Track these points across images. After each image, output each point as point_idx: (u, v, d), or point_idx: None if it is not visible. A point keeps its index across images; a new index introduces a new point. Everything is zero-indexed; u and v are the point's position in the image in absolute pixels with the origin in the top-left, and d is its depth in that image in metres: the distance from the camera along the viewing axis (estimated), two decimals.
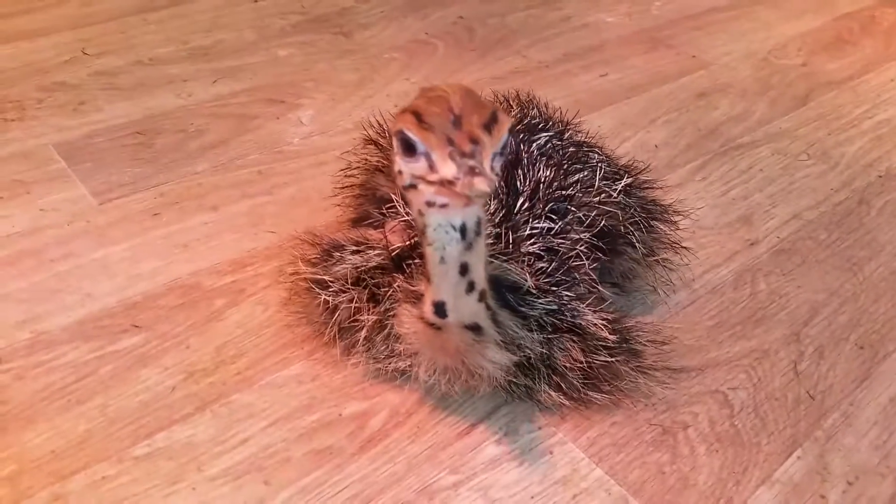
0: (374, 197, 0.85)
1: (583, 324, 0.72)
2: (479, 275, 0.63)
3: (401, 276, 0.71)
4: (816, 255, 0.99)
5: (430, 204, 0.57)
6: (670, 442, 0.74)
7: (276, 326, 0.82)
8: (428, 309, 0.64)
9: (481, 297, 0.64)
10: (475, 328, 0.65)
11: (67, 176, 1.03)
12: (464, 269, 0.62)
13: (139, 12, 1.48)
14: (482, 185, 0.51)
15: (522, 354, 0.69)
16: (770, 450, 0.74)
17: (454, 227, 0.59)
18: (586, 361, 0.71)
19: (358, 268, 0.73)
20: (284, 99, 1.23)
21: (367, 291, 0.72)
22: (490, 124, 0.54)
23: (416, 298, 0.67)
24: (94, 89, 1.23)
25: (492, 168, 0.53)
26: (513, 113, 0.88)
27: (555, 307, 0.71)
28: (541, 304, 0.70)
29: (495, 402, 0.76)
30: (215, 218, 0.98)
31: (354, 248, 0.74)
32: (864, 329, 0.88)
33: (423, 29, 1.46)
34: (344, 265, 0.73)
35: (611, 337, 0.72)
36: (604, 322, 0.72)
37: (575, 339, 0.71)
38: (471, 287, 0.63)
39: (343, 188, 0.91)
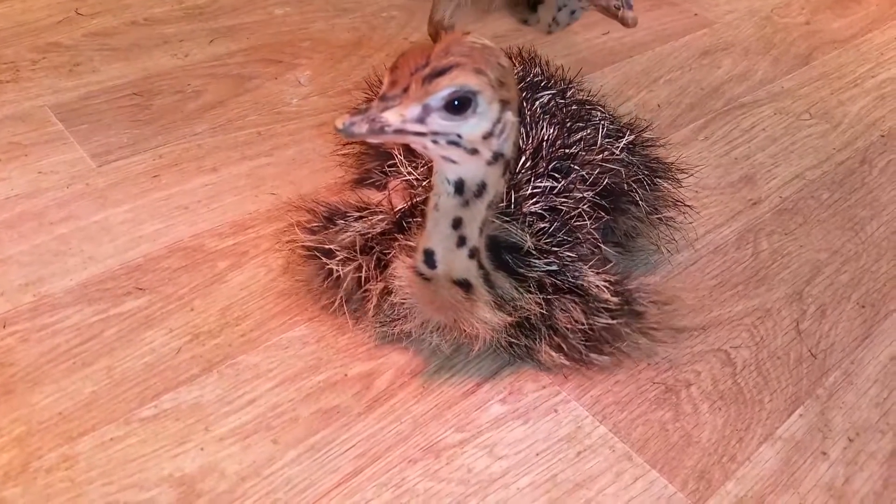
0: (376, 154, 0.85)
1: (584, 285, 0.72)
2: (473, 232, 0.64)
3: (401, 236, 0.71)
4: (818, 214, 0.99)
5: (445, 158, 0.60)
6: (673, 400, 0.74)
7: (280, 288, 0.82)
8: (418, 257, 0.66)
9: (472, 255, 0.65)
10: (465, 285, 0.66)
11: (65, 138, 1.02)
12: (456, 223, 0.63)
13: None
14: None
15: (519, 315, 0.70)
16: (772, 407, 0.74)
17: (448, 181, 0.61)
18: (587, 323, 0.72)
19: (364, 234, 0.73)
20: (282, 59, 1.21)
21: (374, 259, 0.72)
22: (433, 76, 0.55)
23: (412, 252, 0.68)
24: (90, 50, 1.21)
25: (419, 118, 0.56)
26: (515, 70, 0.87)
27: (555, 268, 0.71)
28: (541, 264, 0.70)
29: (499, 362, 0.77)
30: (215, 180, 0.97)
31: (357, 214, 0.74)
32: (866, 288, 0.89)
33: None
34: (348, 233, 0.73)
35: (612, 299, 0.72)
36: (605, 283, 0.72)
37: (576, 300, 0.72)
38: (461, 242, 0.64)
39: (345, 145, 0.90)
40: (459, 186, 0.61)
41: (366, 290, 0.73)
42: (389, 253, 0.71)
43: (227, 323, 0.78)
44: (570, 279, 0.72)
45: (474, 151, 0.59)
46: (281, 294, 0.82)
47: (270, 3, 1.36)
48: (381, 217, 0.73)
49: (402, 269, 0.68)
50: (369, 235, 0.73)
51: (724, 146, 1.10)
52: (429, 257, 0.65)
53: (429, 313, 0.70)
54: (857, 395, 0.77)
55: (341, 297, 0.74)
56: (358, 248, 0.73)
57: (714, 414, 0.73)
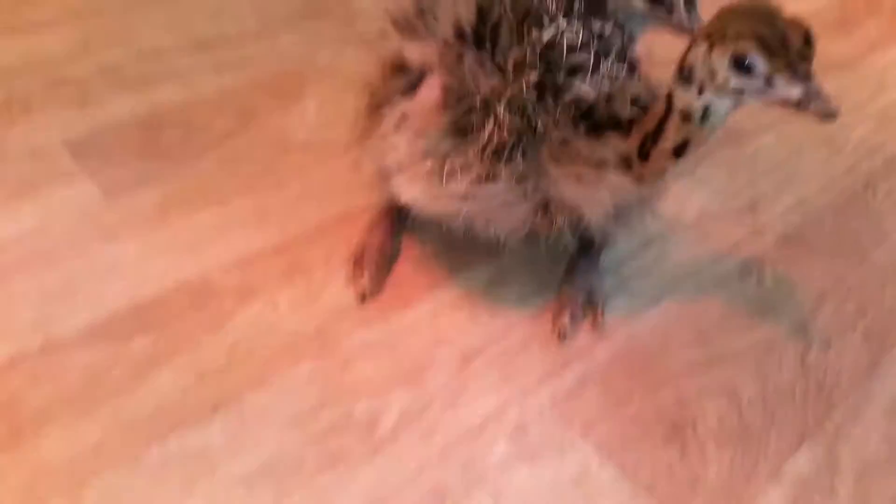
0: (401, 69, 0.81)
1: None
2: None
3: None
4: (822, 242, 0.99)
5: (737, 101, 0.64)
6: (680, 438, 0.75)
7: (286, 326, 0.83)
8: (657, 174, 0.69)
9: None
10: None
11: (75, 173, 1.03)
12: None
13: (141, 3, 1.47)
14: (831, 107, 0.63)
15: None
16: (778, 445, 0.75)
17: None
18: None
19: None
20: (289, 90, 1.22)
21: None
22: (809, 41, 0.64)
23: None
24: (99, 84, 1.22)
25: None
26: None
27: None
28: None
29: (504, 395, 0.77)
30: (222, 214, 0.98)
31: None
32: (871, 317, 0.89)
33: None
34: None
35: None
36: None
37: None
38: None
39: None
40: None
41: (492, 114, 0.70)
42: None
43: (233, 361, 0.79)
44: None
45: None
46: (286, 331, 0.82)
47: (277, 32, 1.38)
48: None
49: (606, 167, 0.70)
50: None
51: (726, 174, 1.10)
52: (681, 149, 0.67)
53: (598, 209, 0.74)
54: (866, 429, 0.77)
55: None
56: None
57: (720, 451, 0.74)
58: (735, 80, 0.63)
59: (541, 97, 0.70)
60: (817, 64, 1.30)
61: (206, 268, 0.90)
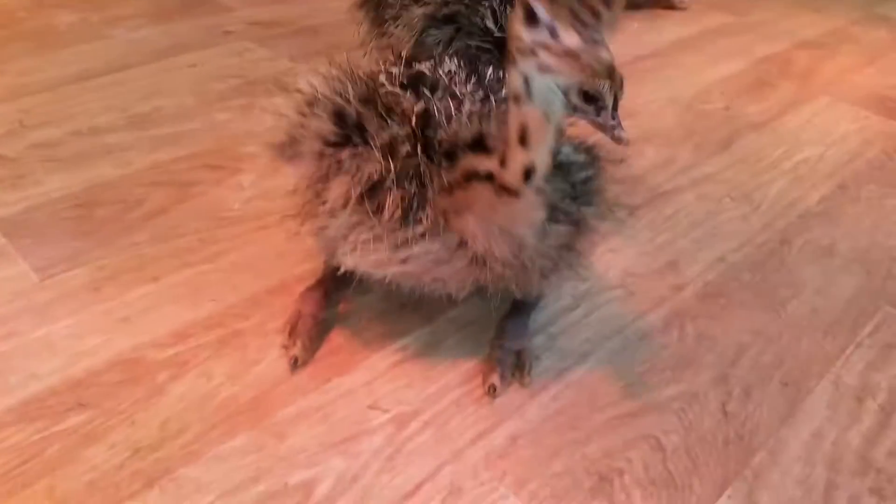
0: None
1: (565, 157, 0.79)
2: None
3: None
4: (741, 296, 1.04)
5: (543, 69, 0.61)
6: (607, 489, 0.77)
7: (221, 398, 0.84)
8: (515, 174, 0.67)
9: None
10: (541, 192, 0.70)
11: (8, 253, 1.03)
12: (560, 134, 0.68)
13: (77, 80, 1.50)
14: (607, 57, 0.57)
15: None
16: (702, 491, 0.77)
17: (560, 89, 0.64)
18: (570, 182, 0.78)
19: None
20: (225, 164, 1.25)
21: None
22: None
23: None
24: (33, 162, 1.23)
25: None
26: None
27: None
28: None
29: (440, 459, 0.78)
30: (156, 289, 0.99)
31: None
32: (788, 367, 0.93)
33: None
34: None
35: (583, 157, 0.81)
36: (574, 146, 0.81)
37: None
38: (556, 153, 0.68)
39: None
40: (566, 93, 0.65)
41: (388, 190, 0.73)
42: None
43: (167, 436, 0.79)
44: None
45: None
46: (221, 403, 0.83)
47: (213, 108, 1.41)
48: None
49: (481, 183, 0.70)
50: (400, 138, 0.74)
51: (648, 233, 1.15)
52: (529, 173, 0.67)
53: (493, 232, 0.73)
54: (782, 474, 0.80)
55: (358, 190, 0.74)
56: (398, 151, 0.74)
57: (647, 500, 0.76)
58: (528, 35, 0.61)
59: (427, 155, 0.73)
60: (736, 125, 1.40)
61: (140, 343, 0.90)
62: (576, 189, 0.79)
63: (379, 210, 0.74)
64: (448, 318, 0.97)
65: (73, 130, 1.32)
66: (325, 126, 0.76)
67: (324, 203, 0.80)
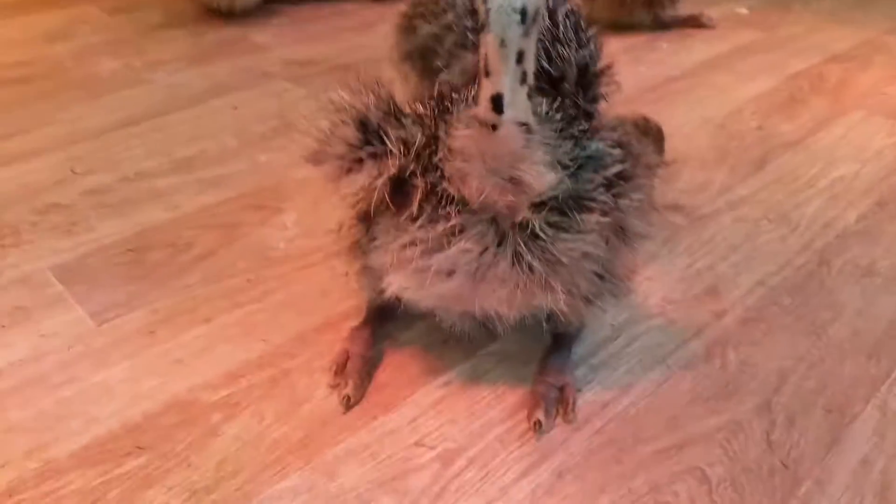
0: None
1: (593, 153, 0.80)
2: (532, 67, 0.68)
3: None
4: (781, 320, 1.04)
5: None
6: None
7: (272, 437, 0.86)
8: (485, 106, 0.68)
9: (530, 94, 0.69)
10: (526, 127, 0.70)
11: (65, 299, 1.07)
12: (520, 57, 0.66)
13: (123, 126, 1.55)
14: None
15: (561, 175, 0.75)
16: None
17: (514, 9, 0.64)
18: (604, 177, 0.79)
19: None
20: (268, 204, 1.29)
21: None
22: None
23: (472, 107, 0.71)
24: (85, 208, 1.28)
25: None
26: None
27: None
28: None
29: (486, 497, 0.80)
30: (208, 330, 1.02)
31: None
32: (832, 392, 0.93)
33: None
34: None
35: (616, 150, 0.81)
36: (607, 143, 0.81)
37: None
38: (524, 78, 0.68)
39: None
40: (524, 13, 0.64)
41: (411, 186, 0.77)
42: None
43: (222, 477, 0.82)
44: (582, 151, 0.79)
45: None
46: (273, 443, 0.86)
47: (255, 150, 1.45)
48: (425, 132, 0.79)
49: (463, 126, 0.71)
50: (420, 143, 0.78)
51: (687, 258, 1.16)
52: (497, 102, 0.67)
53: (486, 175, 0.72)
54: (831, 502, 0.80)
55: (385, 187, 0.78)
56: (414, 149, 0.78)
57: None
58: None
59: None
60: (770, 144, 1.40)
61: (194, 385, 0.93)
62: (612, 184, 0.80)
63: (407, 204, 0.78)
64: (489, 351, 0.98)
65: (121, 176, 1.37)
66: (349, 132, 0.80)
67: (367, 235, 0.85)
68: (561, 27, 0.99)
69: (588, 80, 1.02)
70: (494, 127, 0.69)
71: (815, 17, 2.23)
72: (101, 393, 0.92)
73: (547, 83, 1.00)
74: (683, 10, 2.10)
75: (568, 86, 1.00)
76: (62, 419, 0.89)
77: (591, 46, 1.04)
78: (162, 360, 0.97)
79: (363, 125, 0.80)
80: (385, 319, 0.99)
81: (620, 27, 2.02)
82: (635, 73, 1.80)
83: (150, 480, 0.81)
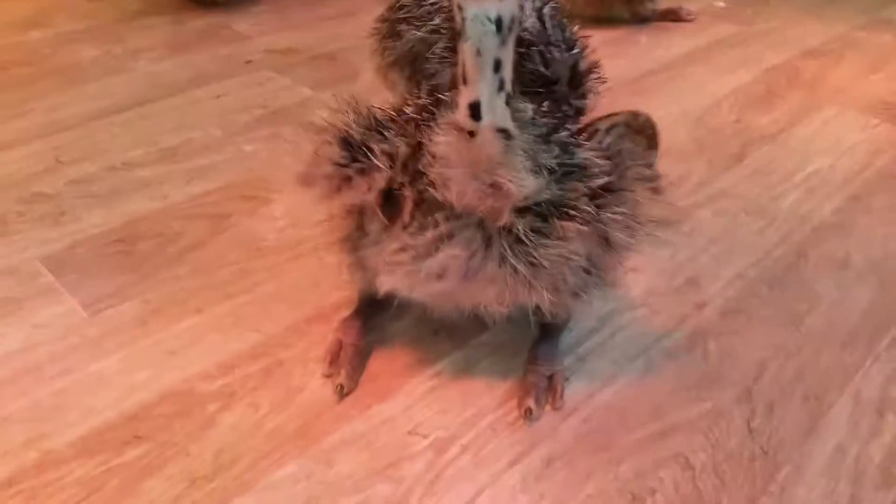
0: None
1: (581, 162, 0.81)
2: (509, 74, 0.70)
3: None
4: (760, 312, 1.08)
5: None
6: None
7: (269, 427, 0.88)
8: (463, 113, 0.70)
9: (508, 101, 0.71)
10: (505, 133, 0.72)
11: (56, 290, 1.08)
12: (497, 66, 0.68)
13: (106, 115, 1.55)
14: None
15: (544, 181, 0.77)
16: None
17: (490, 19, 0.66)
18: (588, 188, 0.80)
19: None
20: (256, 195, 1.29)
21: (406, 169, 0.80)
22: None
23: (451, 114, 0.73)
24: (72, 198, 1.28)
25: None
26: None
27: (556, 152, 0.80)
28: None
29: (478, 483, 0.82)
30: (200, 321, 1.03)
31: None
32: (809, 381, 0.97)
33: None
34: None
35: (604, 162, 0.82)
36: (595, 153, 0.82)
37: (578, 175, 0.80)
38: (501, 85, 0.69)
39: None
40: (499, 23, 0.66)
41: (400, 196, 0.80)
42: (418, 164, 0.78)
43: (221, 466, 0.83)
44: (569, 159, 0.80)
45: None
46: (270, 432, 0.87)
47: (240, 139, 1.46)
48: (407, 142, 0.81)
49: (443, 132, 0.73)
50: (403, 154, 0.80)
51: (668, 251, 1.18)
52: (475, 109, 0.69)
53: (467, 180, 0.74)
54: (808, 488, 0.84)
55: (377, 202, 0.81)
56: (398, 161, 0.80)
57: None
58: None
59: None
60: (748, 137, 1.42)
61: (189, 375, 0.95)
62: (596, 195, 0.82)
63: (397, 214, 0.80)
64: (480, 341, 1.01)
65: (107, 165, 1.37)
66: (334, 150, 0.82)
67: (358, 229, 0.86)
68: (550, 29, 1.02)
69: (577, 78, 1.05)
70: (472, 133, 0.71)
71: (790, 10, 2.27)
72: (96, 383, 0.93)
73: (542, 86, 1.01)
74: (662, 4, 2.13)
75: (561, 87, 1.02)
76: (59, 410, 0.90)
77: (578, 45, 1.06)
78: (155, 350, 0.98)
79: (347, 143, 0.82)
80: (376, 310, 1.01)
81: (600, 21, 2.04)
82: (615, 66, 1.80)
83: (150, 469, 0.83)
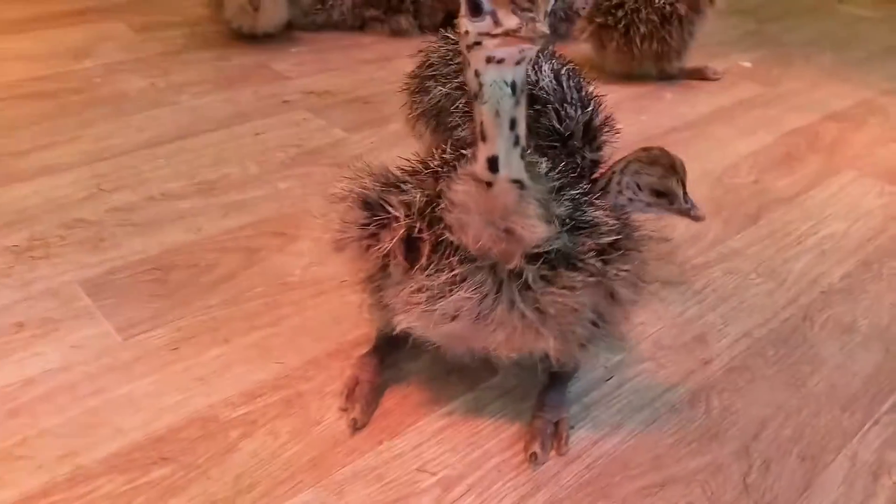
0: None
1: (591, 219, 0.87)
2: (523, 130, 0.76)
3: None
4: (764, 371, 1.11)
5: (489, 60, 0.71)
6: None
7: (286, 455, 0.93)
8: (481, 166, 0.77)
9: (523, 155, 0.77)
10: (519, 184, 0.78)
11: (93, 313, 1.14)
12: (513, 124, 0.75)
13: (149, 146, 1.63)
14: (543, 28, 0.66)
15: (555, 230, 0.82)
16: None
17: (506, 83, 0.73)
18: (597, 244, 0.86)
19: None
20: (286, 231, 1.36)
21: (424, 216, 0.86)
22: None
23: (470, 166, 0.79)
24: (112, 225, 1.35)
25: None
26: None
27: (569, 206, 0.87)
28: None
29: None
30: (228, 350, 1.09)
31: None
32: (807, 441, 1.00)
33: None
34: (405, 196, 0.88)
35: (614, 221, 0.88)
36: (606, 212, 0.89)
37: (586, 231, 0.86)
38: (517, 141, 0.76)
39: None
40: (514, 87, 0.73)
41: (419, 240, 0.86)
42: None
43: (240, 490, 0.88)
44: (580, 215, 0.87)
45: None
46: (286, 461, 0.92)
47: (275, 176, 1.53)
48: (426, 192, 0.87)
49: (461, 182, 0.79)
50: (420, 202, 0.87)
51: (678, 307, 1.23)
52: (493, 163, 0.76)
53: (482, 225, 0.80)
54: None
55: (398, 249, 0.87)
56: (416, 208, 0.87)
57: None
58: (473, 27, 0.70)
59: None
60: (765, 199, 1.46)
61: (214, 401, 1.00)
62: (604, 251, 0.87)
63: (418, 259, 0.86)
64: (490, 384, 1.05)
65: (147, 195, 1.44)
66: (357, 213, 0.89)
67: (383, 272, 0.91)
68: (566, 89, 1.08)
69: (592, 133, 1.11)
70: (490, 184, 0.78)
71: (816, 72, 2.32)
72: (127, 404, 0.99)
73: (558, 141, 1.09)
74: (690, 62, 2.18)
75: (576, 141, 1.09)
76: (91, 427, 0.95)
77: (593, 102, 1.13)
78: (184, 376, 1.04)
79: (367, 204, 0.89)
80: (393, 349, 1.06)
81: (630, 78, 2.11)
82: (639, 122, 1.88)
83: (174, 490, 0.88)
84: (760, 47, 2.53)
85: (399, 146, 1.41)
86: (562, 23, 2.41)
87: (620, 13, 2.08)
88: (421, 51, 1.28)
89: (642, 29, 2.06)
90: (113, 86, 1.93)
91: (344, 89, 1.97)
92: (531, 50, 0.70)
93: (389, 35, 2.37)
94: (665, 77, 2.15)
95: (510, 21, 0.68)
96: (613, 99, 1.94)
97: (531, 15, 0.67)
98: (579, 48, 2.26)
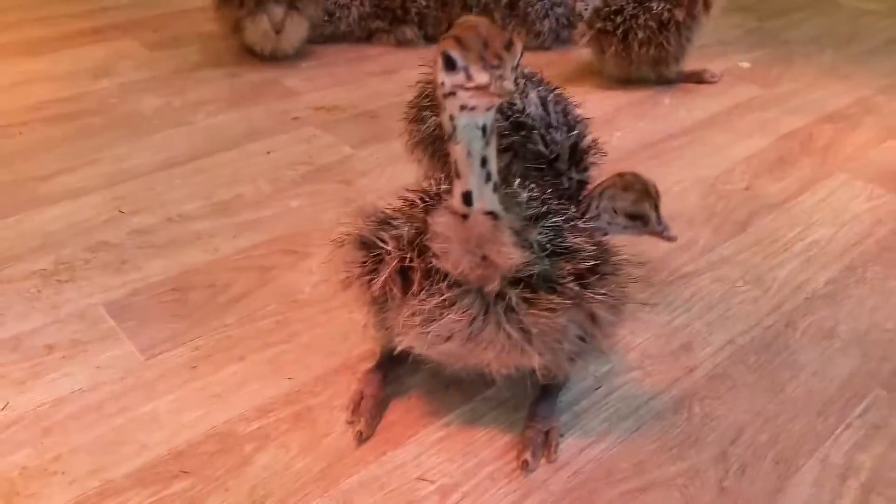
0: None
1: (570, 245, 0.95)
2: (494, 168, 0.85)
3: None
4: (745, 378, 1.18)
5: (462, 107, 0.80)
6: None
7: (297, 467, 1.01)
8: (457, 200, 0.86)
9: (496, 189, 0.86)
10: (492, 215, 0.86)
11: (116, 334, 1.23)
12: (483, 162, 0.84)
13: (165, 167, 1.71)
14: (509, 85, 0.75)
15: (531, 253, 0.90)
16: None
17: (478, 127, 0.82)
18: (575, 269, 0.93)
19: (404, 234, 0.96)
20: (297, 249, 1.44)
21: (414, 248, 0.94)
22: (508, 46, 0.76)
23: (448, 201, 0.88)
24: (133, 248, 1.44)
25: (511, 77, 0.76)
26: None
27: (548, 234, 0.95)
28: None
29: None
30: (242, 367, 1.17)
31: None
32: (782, 445, 1.07)
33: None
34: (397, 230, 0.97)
35: (592, 247, 0.96)
36: (584, 239, 0.97)
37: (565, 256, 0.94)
38: (488, 177, 0.85)
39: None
40: (484, 129, 0.82)
41: (410, 269, 0.94)
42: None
43: (254, 501, 0.97)
44: (560, 241, 0.95)
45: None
46: (296, 472, 1.01)
47: (287, 196, 1.61)
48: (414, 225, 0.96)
49: (441, 215, 0.89)
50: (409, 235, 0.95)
51: (666, 316, 1.30)
52: (467, 197, 0.85)
53: (461, 253, 0.88)
54: None
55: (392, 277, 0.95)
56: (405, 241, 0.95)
57: None
58: (447, 79, 0.78)
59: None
60: (755, 205, 1.52)
61: (230, 417, 1.08)
62: (582, 276, 0.94)
63: (411, 286, 0.94)
64: (486, 396, 1.13)
65: (165, 217, 1.53)
66: (355, 254, 0.99)
67: (384, 301, 1.00)
68: (552, 114, 1.16)
69: (578, 155, 1.19)
70: (465, 216, 0.87)
71: (814, 71, 2.36)
72: (150, 422, 1.08)
73: (544, 164, 1.16)
74: (689, 64, 2.24)
75: (561, 164, 1.16)
76: (117, 444, 1.04)
77: (579, 126, 1.20)
78: (203, 393, 1.12)
79: (363, 243, 0.98)
80: (395, 364, 1.14)
81: (628, 82, 2.17)
82: (637, 128, 1.94)
83: (194, 501, 0.97)
84: (761, 46, 2.57)
85: (403, 161, 1.48)
86: (564, 28, 2.48)
87: (619, 19, 2.14)
88: (418, 82, 1.36)
89: (640, 34, 2.12)
90: (130, 105, 2.02)
91: (352, 103, 2.04)
92: (500, 100, 0.79)
93: (395, 45, 2.44)
94: (663, 81, 2.21)
95: (481, 77, 0.76)
96: (612, 105, 2.05)
97: (499, 73, 0.75)
98: (580, 53, 2.32)
